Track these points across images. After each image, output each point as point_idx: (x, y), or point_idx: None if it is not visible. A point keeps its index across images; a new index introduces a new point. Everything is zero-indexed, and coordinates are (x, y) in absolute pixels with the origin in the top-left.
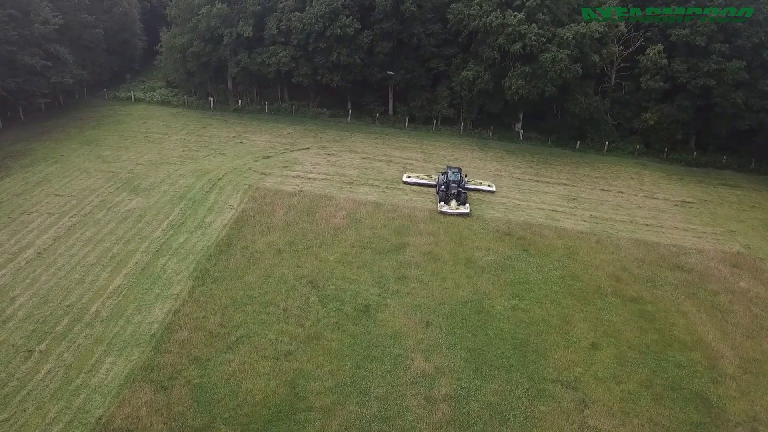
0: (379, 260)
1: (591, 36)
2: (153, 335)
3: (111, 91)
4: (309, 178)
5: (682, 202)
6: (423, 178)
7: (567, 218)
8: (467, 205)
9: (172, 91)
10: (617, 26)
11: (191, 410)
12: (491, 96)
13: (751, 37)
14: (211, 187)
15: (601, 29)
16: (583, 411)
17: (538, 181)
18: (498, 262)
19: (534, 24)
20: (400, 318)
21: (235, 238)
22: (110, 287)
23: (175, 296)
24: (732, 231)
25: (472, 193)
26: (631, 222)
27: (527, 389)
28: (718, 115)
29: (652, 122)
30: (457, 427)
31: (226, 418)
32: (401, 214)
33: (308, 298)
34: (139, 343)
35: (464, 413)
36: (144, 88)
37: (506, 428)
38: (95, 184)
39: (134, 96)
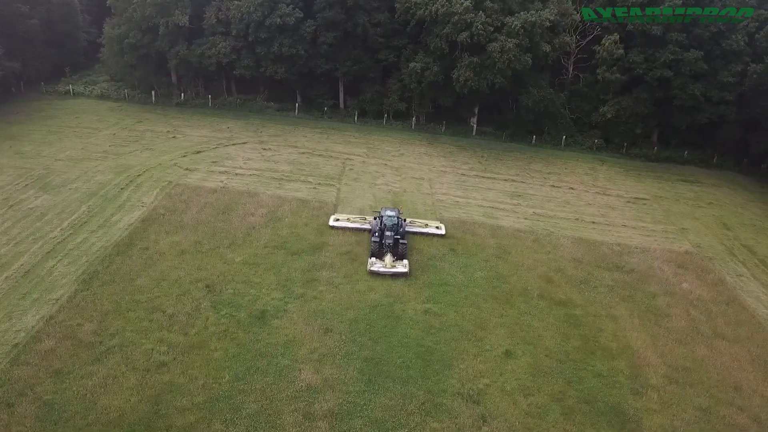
0: (291, 261)
1: (541, 25)
2: (15, 345)
3: (50, 85)
4: (236, 174)
5: (636, 198)
6: (355, 221)
7: (507, 216)
8: (406, 261)
9: (114, 85)
10: (570, 15)
11: (32, 431)
12: (442, 89)
13: (709, 26)
14: (127, 184)
15: (552, 17)
16: (480, 428)
17: (484, 177)
18: (420, 262)
19: (481, 12)
20: (299, 325)
21: (137, 238)
22: None
23: (54, 301)
24: (684, 229)
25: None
26: (577, 219)
27: (422, 403)
28: (677, 108)
29: (609, 116)
30: None
31: None
32: (327, 212)
33: (201, 303)
34: None
35: (344, 431)
36: (86, 81)
37: None
38: (3, 181)
39: (73, 90)
